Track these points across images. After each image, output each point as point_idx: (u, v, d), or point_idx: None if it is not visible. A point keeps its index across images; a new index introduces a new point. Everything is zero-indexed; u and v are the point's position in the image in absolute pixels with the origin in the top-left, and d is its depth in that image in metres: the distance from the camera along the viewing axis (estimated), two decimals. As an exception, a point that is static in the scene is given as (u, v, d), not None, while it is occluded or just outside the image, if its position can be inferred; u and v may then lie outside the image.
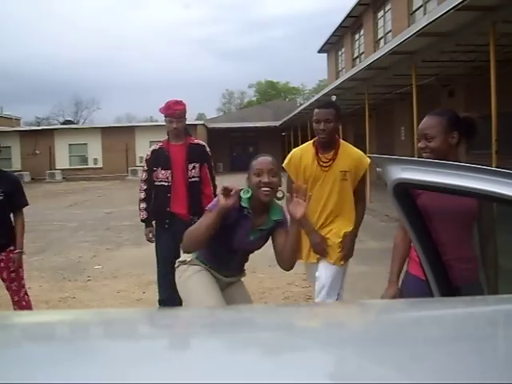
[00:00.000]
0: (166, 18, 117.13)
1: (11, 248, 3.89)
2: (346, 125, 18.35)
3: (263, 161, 2.68)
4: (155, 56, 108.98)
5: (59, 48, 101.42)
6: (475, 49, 8.80)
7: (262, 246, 2.82)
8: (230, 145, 34.90)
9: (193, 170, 4.09)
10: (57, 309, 4.66)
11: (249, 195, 2.64)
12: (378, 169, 1.49)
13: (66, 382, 0.62)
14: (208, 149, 4.29)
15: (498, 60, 6.89)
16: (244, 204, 2.63)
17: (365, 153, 3.57)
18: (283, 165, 3.38)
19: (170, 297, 3.90)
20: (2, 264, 3.88)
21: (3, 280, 3.95)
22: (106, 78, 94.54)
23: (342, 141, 3.43)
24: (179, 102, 4.11)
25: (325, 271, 3.35)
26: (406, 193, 1.48)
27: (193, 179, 4.06)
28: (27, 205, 4.05)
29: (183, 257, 2.88)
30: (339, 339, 0.83)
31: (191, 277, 2.77)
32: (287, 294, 5.28)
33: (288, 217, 2.68)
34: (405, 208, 1.50)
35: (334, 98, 3.07)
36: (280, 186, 2.69)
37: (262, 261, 6.83)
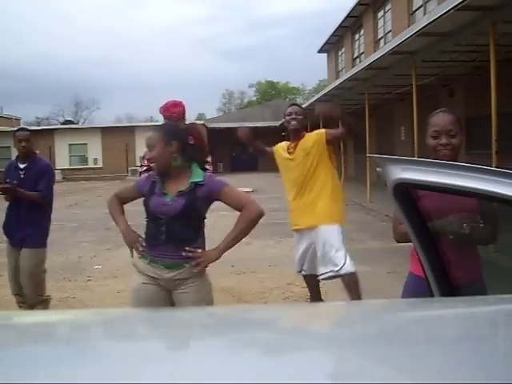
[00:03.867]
0: (167, 17, 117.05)
1: None
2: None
3: None
4: (155, 56, 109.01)
5: (59, 48, 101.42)
6: (475, 49, 8.79)
7: (187, 210, 2.64)
8: (230, 145, 34.87)
9: None
10: (57, 309, 4.66)
11: None
12: (378, 169, 1.49)
13: (66, 381, 0.62)
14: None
15: (498, 60, 6.89)
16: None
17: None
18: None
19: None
20: None
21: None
22: (106, 78, 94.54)
23: (307, 133, 4.14)
24: (177, 104, 4.04)
25: (322, 232, 3.93)
26: (406, 193, 1.48)
27: None
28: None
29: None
30: (339, 339, 0.83)
31: (131, 293, 2.82)
32: (287, 294, 5.28)
33: (213, 181, 2.73)
34: (405, 208, 1.50)
35: None
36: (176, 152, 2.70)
37: (262, 261, 6.85)
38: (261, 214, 2.65)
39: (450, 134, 2.29)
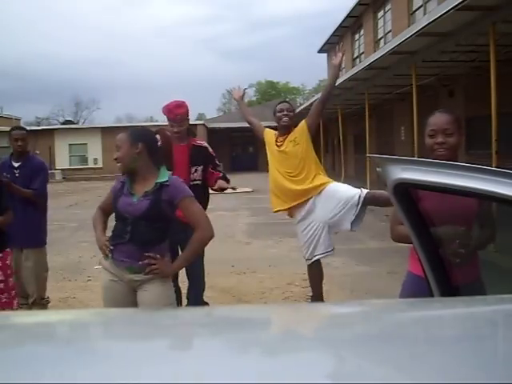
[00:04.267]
0: (167, 17, 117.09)
1: (0, 255, 3.60)
2: (346, 125, 18.36)
3: None
4: (155, 56, 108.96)
5: (59, 48, 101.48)
6: (475, 49, 8.79)
7: (151, 211, 2.69)
8: (230, 145, 34.89)
9: (195, 174, 3.97)
10: (57, 309, 4.66)
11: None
12: (378, 169, 1.49)
13: (66, 382, 0.62)
14: (211, 149, 4.24)
15: (498, 60, 6.88)
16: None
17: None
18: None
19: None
20: None
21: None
22: (106, 78, 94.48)
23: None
24: (180, 105, 3.97)
25: (328, 190, 4.22)
26: (406, 193, 1.48)
27: (194, 182, 3.90)
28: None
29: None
30: (339, 339, 0.83)
31: (102, 291, 2.89)
32: (287, 294, 5.28)
33: (178, 188, 2.76)
34: (405, 208, 1.50)
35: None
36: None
37: (261, 261, 6.85)
38: (211, 237, 2.78)
39: (446, 132, 2.30)
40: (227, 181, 4.13)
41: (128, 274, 2.73)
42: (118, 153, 2.78)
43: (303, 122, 4.41)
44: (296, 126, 4.44)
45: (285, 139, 4.35)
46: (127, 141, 2.76)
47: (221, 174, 4.15)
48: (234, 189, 4.29)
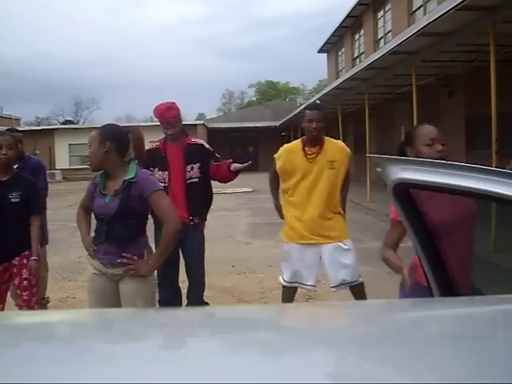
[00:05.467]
0: (167, 17, 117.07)
1: (26, 253, 3.60)
2: (346, 125, 18.36)
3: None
4: (155, 55, 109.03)
5: (59, 48, 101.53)
6: (475, 49, 8.79)
7: (122, 210, 2.73)
8: (230, 145, 34.88)
9: (191, 172, 3.93)
10: (57, 309, 4.66)
11: None
12: (378, 169, 1.49)
13: (66, 381, 0.62)
14: (207, 145, 4.16)
15: (497, 60, 6.88)
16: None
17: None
18: (275, 155, 4.01)
19: (170, 297, 3.89)
20: (15, 270, 3.59)
21: (15, 288, 3.65)
22: (106, 78, 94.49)
23: (326, 137, 3.92)
24: (170, 107, 3.90)
25: (342, 249, 3.81)
26: (406, 193, 1.48)
27: (191, 180, 3.91)
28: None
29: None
30: (339, 339, 0.83)
31: (88, 284, 3.00)
32: (287, 294, 5.27)
33: (147, 182, 2.77)
34: (405, 208, 1.50)
35: None
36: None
37: (261, 261, 6.85)
38: (177, 229, 2.76)
39: (441, 142, 2.44)
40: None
41: (109, 269, 2.82)
42: (88, 151, 2.83)
43: (348, 152, 3.91)
44: (327, 133, 3.93)
45: (318, 152, 3.79)
46: (96, 139, 2.80)
47: (231, 160, 4.03)
48: (249, 161, 3.97)
